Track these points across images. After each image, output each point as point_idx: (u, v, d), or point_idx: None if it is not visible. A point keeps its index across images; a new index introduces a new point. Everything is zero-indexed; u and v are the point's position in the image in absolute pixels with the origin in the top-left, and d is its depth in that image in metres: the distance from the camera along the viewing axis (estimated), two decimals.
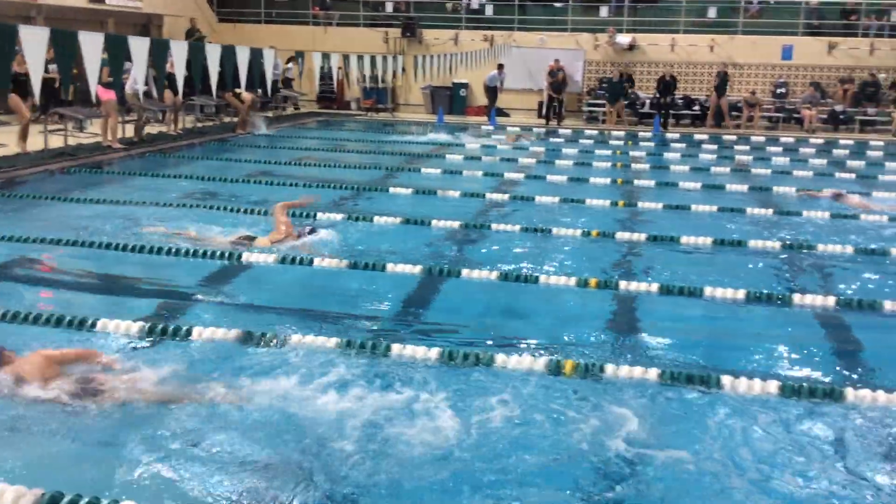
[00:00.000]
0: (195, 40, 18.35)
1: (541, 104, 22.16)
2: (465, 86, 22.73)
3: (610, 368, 5.09)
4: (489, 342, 5.72)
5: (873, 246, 8.50)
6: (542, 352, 5.48)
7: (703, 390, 4.90)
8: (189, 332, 5.49)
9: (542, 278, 7.07)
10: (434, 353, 5.28)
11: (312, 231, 7.95)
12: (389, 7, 24.12)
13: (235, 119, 17.50)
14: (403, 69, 20.82)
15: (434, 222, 9.08)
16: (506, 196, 11.04)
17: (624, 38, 21.90)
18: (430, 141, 17.18)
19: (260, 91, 17.18)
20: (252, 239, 7.81)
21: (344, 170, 12.99)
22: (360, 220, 9.10)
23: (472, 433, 4.34)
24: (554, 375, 5.07)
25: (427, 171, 13.09)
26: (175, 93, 14.80)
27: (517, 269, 7.46)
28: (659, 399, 4.84)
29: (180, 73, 12.70)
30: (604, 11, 22.72)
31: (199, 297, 6.59)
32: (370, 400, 4.66)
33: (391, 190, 11.28)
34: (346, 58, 17.21)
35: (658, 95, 20.49)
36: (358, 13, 24.01)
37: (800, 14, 21.73)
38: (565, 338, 5.90)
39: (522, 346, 5.65)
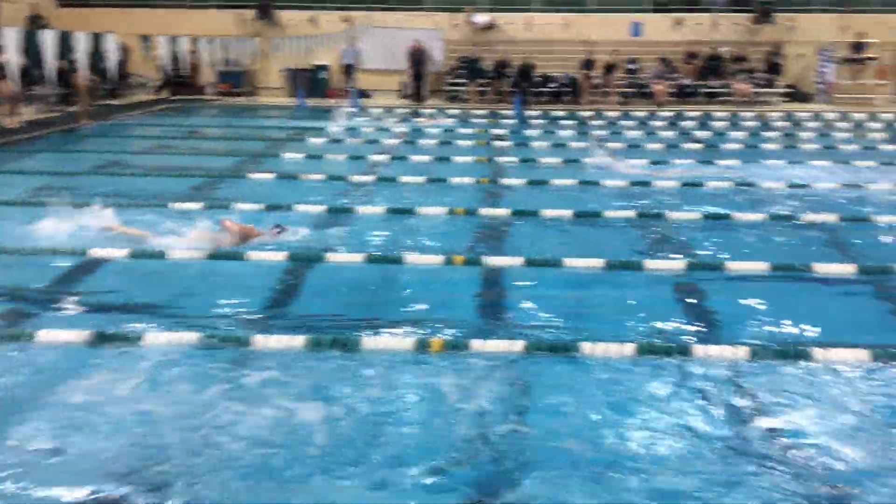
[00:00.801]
0: (37, 28, 17.19)
1: (403, 84, 22.14)
2: (326, 68, 22.38)
3: (476, 343, 5.15)
4: (357, 325, 5.66)
5: (722, 211, 9.00)
6: (411, 331, 5.48)
7: (567, 357, 5.04)
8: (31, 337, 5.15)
9: (409, 258, 7.07)
10: (299, 340, 5.18)
11: (281, 229, 7.71)
12: None
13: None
14: (261, 51, 20.28)
15: (297, 207, 8.91)
16: (370, 177, 10.97)
17: (481, 18, 22.15)
18: (291, 125, 16.82)
19: (98, 77, 16.25)
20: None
21: (200, 157, 12.52)
22: (218, 209, 8.79)
23: (342, 417, 4.30)
24: (422, 353, 5.07)
25: (289, 155, 12.81)
26: (12, 83, 13.80)
27: (383, 250, 7.43)
28: (528, 369, 4.93)
29: (14, 61, 11.85)
30: None
31: (48, 297, 6.19)
32: (233, 393, 4.53)
33: (251, 176, 10.98)
34: (195, 41, 16.54)
35: (519, 78, 20.90)
36: None
37: None
38: (434, 316, 5.91)
39: (390, 327, 5.63)
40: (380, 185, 10.64)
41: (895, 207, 9.32)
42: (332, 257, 7.11)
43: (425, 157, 12.66)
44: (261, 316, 5.87)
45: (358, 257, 7.12)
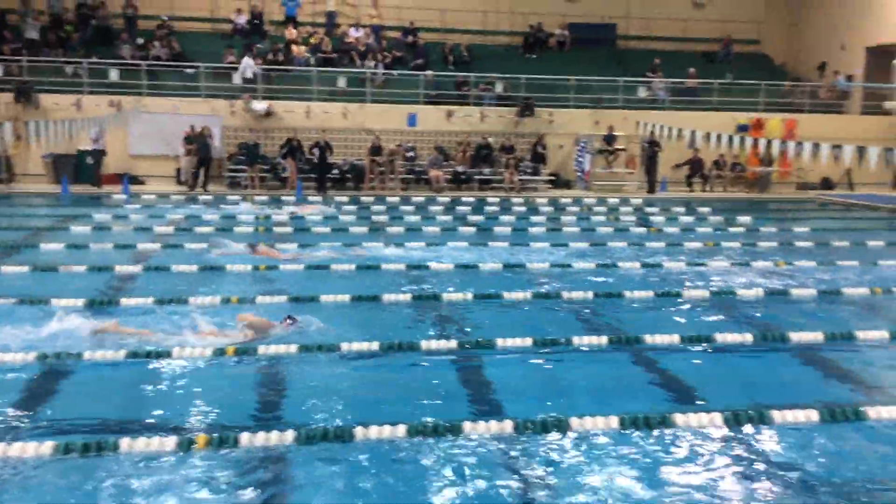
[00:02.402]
0: None
1: (178, 170, 21.50)
2: (96, 153, 21.22)
3: (245, 437, 4.96)
4: (118, 427, 5.28)
5: (493, 291, 9.43)
6: (174, 429, 5.19)
7: (338, 445, 4.99)
8: None
9: (177, 351, 6.74)
10: (47, 447, 4.73)
11: (293, 321, 7.55)
12: (0, 70, 21.84)
13: None
14: (19, 136, 18.88)
15: (55, 301, 8.27)
16: (138, 267, 10.44)
17: (260, 105, 22.16)
18: (52, 213, 15.72)
19: None
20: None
21: None
22: None
23: None
24: (185, 452, 4.81)
25: (47, 246, 11.90)
26: None
27: (148, 344, 7.04)
28: (294, 461, 4.82)
29: None
30: (237, 79, 22.82)
31: None
32: None
33: (2, 269, 10.08)
34: None
35: (316, 162, 21.02)
36: None
37: (419, 85, 23.79)
38: (200, 411, 5.65)
39: (153, 426, 5.30)
40: (149, 274, 10.15)
41: (644, 284, 10.23)
42: (88, 355, 6.62)
43: (201, 245, 12.26)
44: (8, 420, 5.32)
45: (120, 354, 6.68)
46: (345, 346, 6.98)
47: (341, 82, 23.52)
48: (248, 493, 4.40)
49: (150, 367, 6.50)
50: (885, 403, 5.90)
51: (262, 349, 6.89)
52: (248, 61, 22.72)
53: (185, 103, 21.87)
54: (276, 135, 22.31)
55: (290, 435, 5.01)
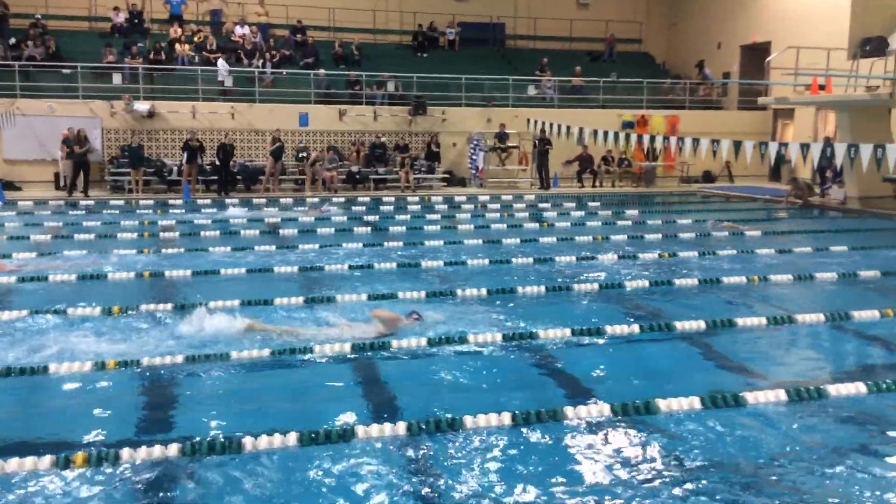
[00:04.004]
0: None
1: (57, 175, 20.49)
2: None
3: (126, 453, 4.75)
4: None
5: (387, 291, 9.37)
6: (52, 447, 4.91)
7: (229, 455, 4.84)
8: None
9: (53, 367, 6.39)
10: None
11: (418, 316, 7.91)
12: None
13: None
14: None
15: None
16: (10, 279, 9.87)
17: (142, 106, 21.34)
18: None
19: None
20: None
21: None
22: None
23: None
24: (63, 470, 4.57)
25: None
26: None
27: (21, 360, 6.66)
28: (180, 474, 4.64)
29: None
30: (117, 79, 21.93)
31: None
32: None
33: None
34: None
35: (219, 163, 20.40)
36: None
37: (311, 84, 23.46)
38: (80, 428, 5.37)
39: (31, 444, 5.01)
40: (24, 284, 9.62)
41: (537, 278, 10.38)
42: None
43: (81, 252, 11.71)
44: None
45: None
46: (235, 355, 6.78)
47: (228, 81, 22.95)
48: None
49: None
50: (763, 388, 6.17)
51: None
52: (223, 64, 22.36)
53: (62, 105, 20.89)
54: (161, 136, 21.57)
55: (174, 448, 4.81)
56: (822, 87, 18.77)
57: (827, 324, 8.27)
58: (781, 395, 5.94)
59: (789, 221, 17.37)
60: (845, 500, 4.49)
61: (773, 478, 4.80)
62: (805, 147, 16.14)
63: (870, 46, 18.37)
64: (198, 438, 5.03)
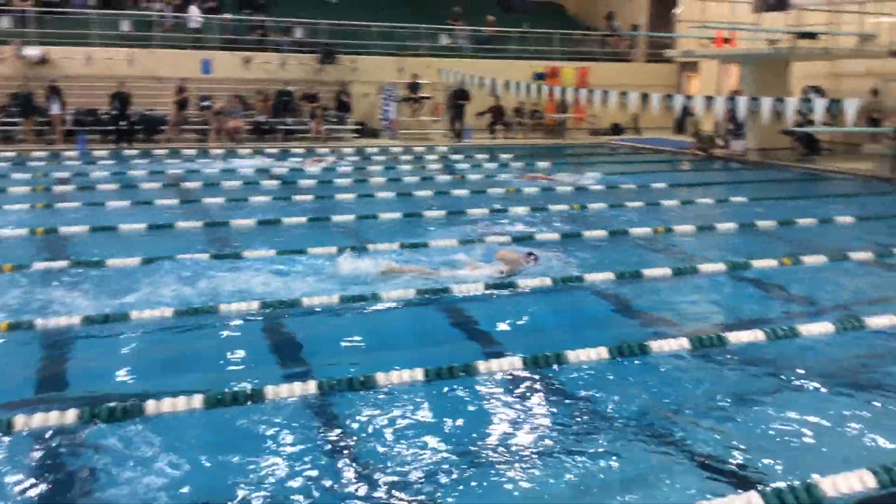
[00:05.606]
0: None
1: None
2: None
3: (20, 420, 4.51)
4: None
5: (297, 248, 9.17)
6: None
7: (129, 422, 4.65)
8: None
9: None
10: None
11: (536, 257, 8.17)
12: None
13: None
14: None
15: None
16: None
17: (33, 51, 20.08)
18: None
19: None
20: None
21: None
22: None
23: None
24: None
25: None
26: None
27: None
28: (92, 441, 4.45)
29: None
30: (5, 22, 20.55)
31: None
32: None
33: None
34: None
35: (117, 112, 19.40)
36: None
37: (213, 30, 22.52)
38: None
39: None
40: None
41: (449, 231, 10.33)
42: None
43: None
44: None
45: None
46: (134, 315, 6.52)
47: (125, 26, 21.81)
48: None
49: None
50: (667, 336, 6.31)
51: None
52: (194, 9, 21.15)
53: None
54: (56, 84, 20.38)
55: (71, 414, 4.59)
56: (726, 41, 19.20)
57: (727, 273, 8.53)
58: (685, 343, 6.10)
59: (686, 173, 17.84)
60: (752, 439, 4.67)
61: (684, 421, 4.93)
62: (709, 100, 16.52)
63: (773, 0, 18.83)
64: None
